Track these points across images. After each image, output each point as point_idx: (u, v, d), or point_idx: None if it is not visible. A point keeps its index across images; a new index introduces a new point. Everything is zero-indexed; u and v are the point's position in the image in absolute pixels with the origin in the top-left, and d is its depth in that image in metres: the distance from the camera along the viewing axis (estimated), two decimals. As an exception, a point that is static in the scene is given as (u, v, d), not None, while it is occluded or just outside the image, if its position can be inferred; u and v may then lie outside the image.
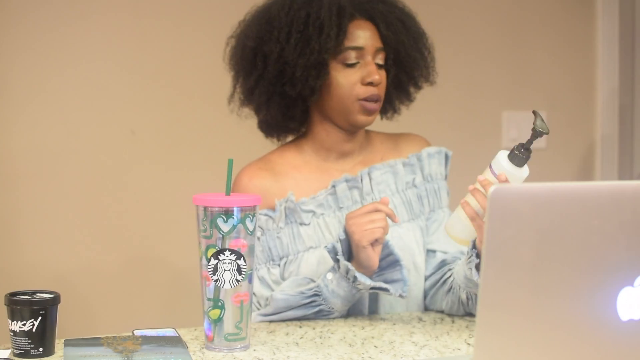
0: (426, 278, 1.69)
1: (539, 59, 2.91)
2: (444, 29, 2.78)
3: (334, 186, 1.67)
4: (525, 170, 1.49)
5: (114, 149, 2.46)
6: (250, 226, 1.35)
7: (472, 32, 2.82)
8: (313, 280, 1.60)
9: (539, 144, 2.88)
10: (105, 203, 2.45)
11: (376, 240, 1.52)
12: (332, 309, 1.57)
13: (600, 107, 2.97)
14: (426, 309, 1.70)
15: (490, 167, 1.50)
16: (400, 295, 1.54)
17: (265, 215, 1.65)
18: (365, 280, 1.52)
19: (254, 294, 1.60)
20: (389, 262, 1.57)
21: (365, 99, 1.63)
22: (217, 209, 1.33)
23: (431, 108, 2.79)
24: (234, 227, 1.33)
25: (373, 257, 1.53)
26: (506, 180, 1.46)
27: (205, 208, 1.34)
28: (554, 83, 2.93)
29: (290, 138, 1.77)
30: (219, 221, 1.33)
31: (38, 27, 2.37)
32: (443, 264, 1.68)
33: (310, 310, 1.57)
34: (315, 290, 1.56)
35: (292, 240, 1.65)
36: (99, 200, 2.45)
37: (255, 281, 1.62)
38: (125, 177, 2.47)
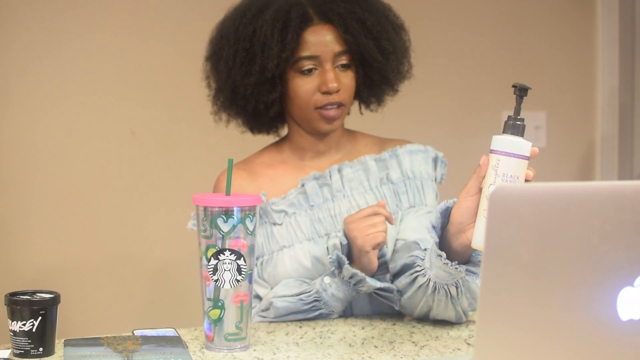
0: (393, 275, 1.58)
1: (539, 59, 2.91)
2: (444, 29, 2.78)
3: (303, 185, 1.67)
4: (523, 140, 1.37)
5: (114, 149, 2.46)
6: (250, 226, 1.35)
7: (472, 32, 2.82)
8: (305, 282, 1.60)
9: (539, 143, 2.89)
10: (106, 203, 2.45)
11: (378, 244, 1.52)
12: (332, 311, 1.58)
13: (600, 107, 2.97)
14: (411, 314, 1.59)
15: (491, 150, 1.35)
16: (396, 304, 1.55)
17: None
18: (374, 284, 1.52)
19: None
20: (379, 264, 1.57)
21: (323, 107, 1.62)
22: (217, 209, 1.33)
23: (431, 108, 2.79)
24: (234, 227, 1.33)
25: (374, 260, 1.53)
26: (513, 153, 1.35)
27: (205, 208, 1.34)
28: (554, 83, 2.93)
29: (283, 130, 1.78)
30: (219, 221, 1.33)
31: (38, 27, 2.37)
32: (408, 267, 1.54)
33: (311, 314, 1.58)
34: (315, 296, 1.56)
35: (266, 240, 1.65)
36: (99, 200, 2.45)
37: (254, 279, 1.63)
38: (125, 177, 2.47)
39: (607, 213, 0.97)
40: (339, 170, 1.68)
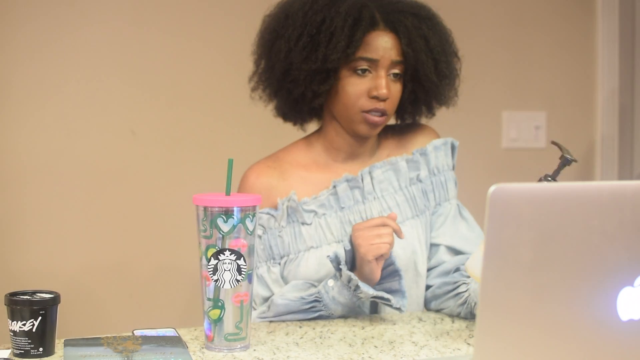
0: (430, 273, 1.69)
1: (539, 59, 2.91)
2: (444, 29, 2.78)
3: (334, 186, 1.67)
4: None
5: (114, 149, 2.46)
6: (250, 226, 1.35)
7: (471, 32, 2.82)
8: (314, 285, 1.60)
9: (538, 143, 2.89)
10: (105, 203, 2.45)
11: (381, 255, 1.52)
12: (332, 314, 1.58)
13: (600, 107, 2.97)
14: (430, 308, 1.70)
15: None
16: (400, 309, 1.55)
17: (267, 213, 1.65)
18: (368, 290, 1.52)
19: None
20: (389, 271, 1.57)
21: (369, 112, 1.62)
22: (217, 209, 1.33)
23: (431, 108, 2.79)
24: (234, 227, 1.33)
25: (376, 270, 1.53)
26: None
27: (205, 208, 1.34)
28: (554, 83, 2.93)
29: (310, 125, 1.77)
30: (219, 221, 1.33)
31: (38, 28, 2.37)
32: (456, 272, 1.65)
33: (310, 315, 1.58)
34: (316, 297, 1.56)
35: (294, 239, 1.65)
36: (99, 200, 2.45)
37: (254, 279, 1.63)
38: (125, 177, 2.47)
39: (607, 213, 0.98)
40: (370, 173, 1.69)
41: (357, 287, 1.52)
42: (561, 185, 0.97)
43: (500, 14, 2.86)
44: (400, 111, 1.72)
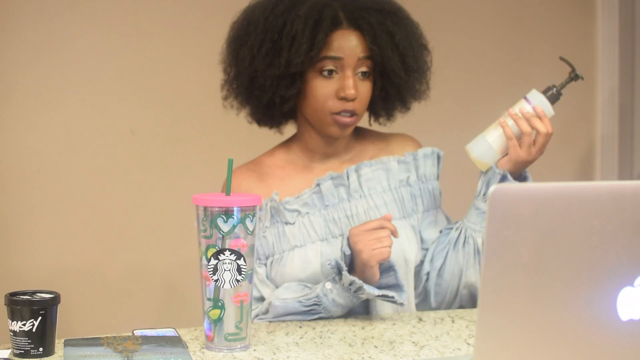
0: (425, 258, 1.71)
1: (539, 59, 2.91)
2: (444, 28, 2.78)
3: (318, 184, 1.67)
4: (552, 110, 1.68)
5: (114, 149, 2.46)
6: (250, 226, 1.35)
7: (471, 32, 2.82)
8: (307, 286, 1.60)
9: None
10: (105, 203, 2.46)
11: (383, 259, 1.53)
12: (331, 316, 1.58)
13: (600, 107, 2.97)
14: (437, 292, 1.70)
15: (526, 98, 1.65)
16: (402, 304, 1.55)
17: None
18: (373, 291, 1.53)
19: None
20: (384, 267, 1.57)
21: (338, 113, 1.61)
22: (217, 209, 1.33)
23: (430, 108, 2.78)
24: (234, 227, 1.33)
25: (377, 273, 1.54)
26: (542, 113, 1.66)
27: (205, 208, 1.34)
28: (554, 83, 2.93)
29: (287, 127, 1.77)
30: (219, 221, 1.33)
31: (38, 27, 2.37)
32: (440, 237, 1.70)
33: (309, 317, 1.58)
34: (315, 300, 1.56)
35: (278, 239, 1.65)
36: (98, 200, 2.45)
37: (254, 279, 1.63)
38: (125, 177, 2.47)
39: (607, 213, 0.98)
40: (357, 170, 1.69)
41: (360, 288, 1.52)
42: (561, 185, 0.97)
43: (500, 14, 2.86)
44: (374, 108, 1.72)
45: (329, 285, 1.55)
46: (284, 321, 1.57)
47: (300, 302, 1.56)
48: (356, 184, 1.68)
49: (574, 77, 1.59)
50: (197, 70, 2.51)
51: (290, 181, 1.69)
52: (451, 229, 1.69)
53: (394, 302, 1.54)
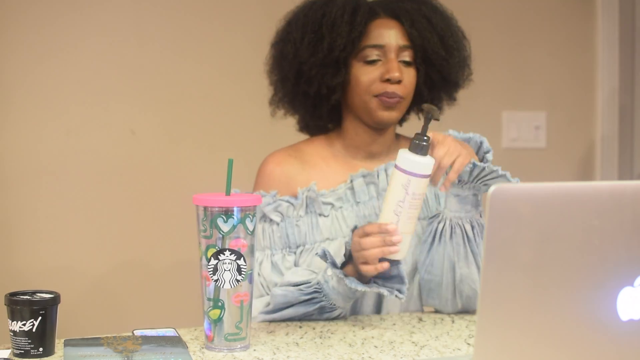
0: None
1: (539, 59, 2.91)
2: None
3: (352, 180, 1.68)
4: (430, 158, 1.48)
5: (114, 148, 2.46)
6: (250, 226, 1.35)
7: (471, 32, 2.82)
8: (314, 272, 1.59)
9: (538, 143, 2.89)
10: (105, 203, 2.46)
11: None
12: (334, 305, 1.56)
13: (600, 107, 2.97)
14: (430, 289, 1.66)
15: (397, 167, 1.48)
16: (397, 296, 1.52)
17: (287, 202, 1.66)
18: (357, 286, 1.50)
19: (263, 278, 1.63)
20: (395, 273, 1.55)
21: (381, 95, 1.63)
22: (217, 209, 1.33)
23: (431, 108, 2.79)
24: (234, 227, 1.33)
25: (372, 272, 1.52)
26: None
27: (205, 208, 1.34)
28: (554, 83, 2.93)
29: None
30: (219, 221, 1.33)
31: (38, 27, 2.37)
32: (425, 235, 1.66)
33: (312, 307, 1.55)
34: (316, 287, 1.54)
35: (310, 229, 1.66)
36: (99, 199, 2.45)
37: (268, 265, 1.63)
38: (125, 177, 2.47)
39: (607, 213, 0.98)
40: (386, 170, 1.70)
41: (341, 280, 1.51)
42: (561, 185, 0.97)
43: (501, 14, 2.86)
44: (419, 97, 1.72)
45: (329, 271, 1.54)
46: (284, 321, 1.57)
47: (300, 290, 1.55)
48: (385, 183, 1.69)
49: (428, 116, 1.49)
50: (197, 70, 2.51)
51: (330, 174, 1.70)
52: (431, 222, 1.66)
53: (389, 293, 1.53)
